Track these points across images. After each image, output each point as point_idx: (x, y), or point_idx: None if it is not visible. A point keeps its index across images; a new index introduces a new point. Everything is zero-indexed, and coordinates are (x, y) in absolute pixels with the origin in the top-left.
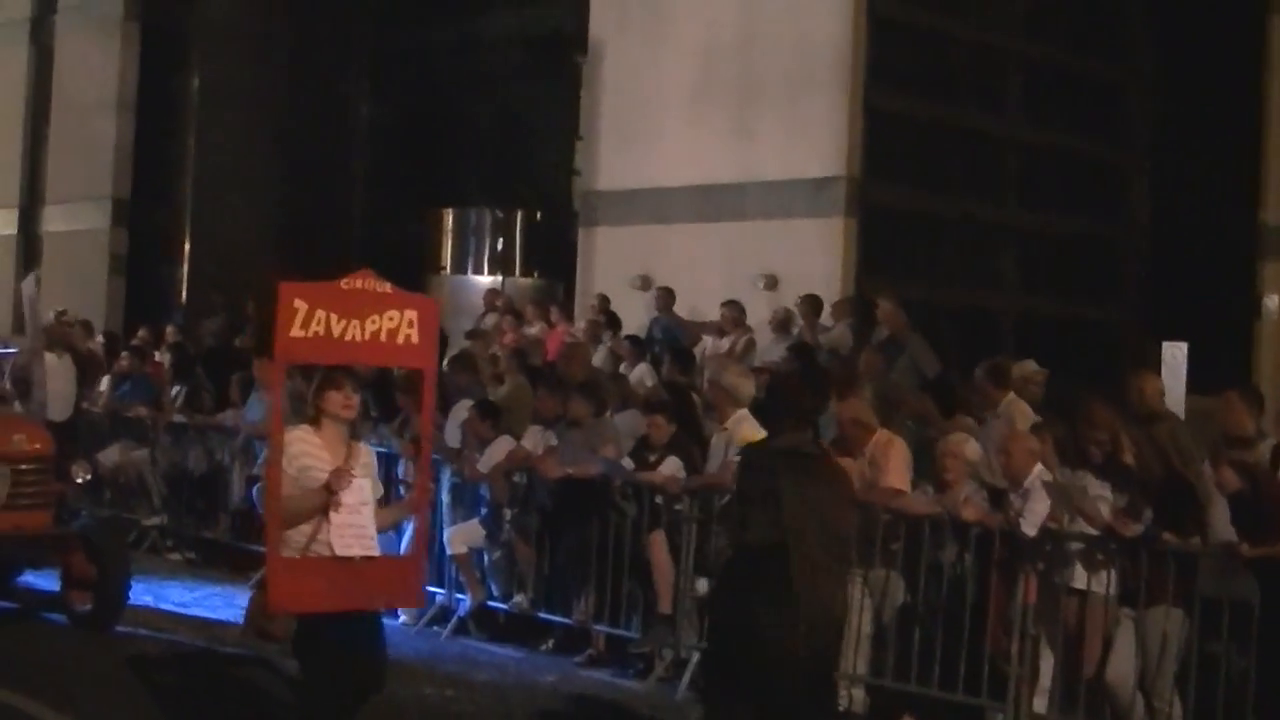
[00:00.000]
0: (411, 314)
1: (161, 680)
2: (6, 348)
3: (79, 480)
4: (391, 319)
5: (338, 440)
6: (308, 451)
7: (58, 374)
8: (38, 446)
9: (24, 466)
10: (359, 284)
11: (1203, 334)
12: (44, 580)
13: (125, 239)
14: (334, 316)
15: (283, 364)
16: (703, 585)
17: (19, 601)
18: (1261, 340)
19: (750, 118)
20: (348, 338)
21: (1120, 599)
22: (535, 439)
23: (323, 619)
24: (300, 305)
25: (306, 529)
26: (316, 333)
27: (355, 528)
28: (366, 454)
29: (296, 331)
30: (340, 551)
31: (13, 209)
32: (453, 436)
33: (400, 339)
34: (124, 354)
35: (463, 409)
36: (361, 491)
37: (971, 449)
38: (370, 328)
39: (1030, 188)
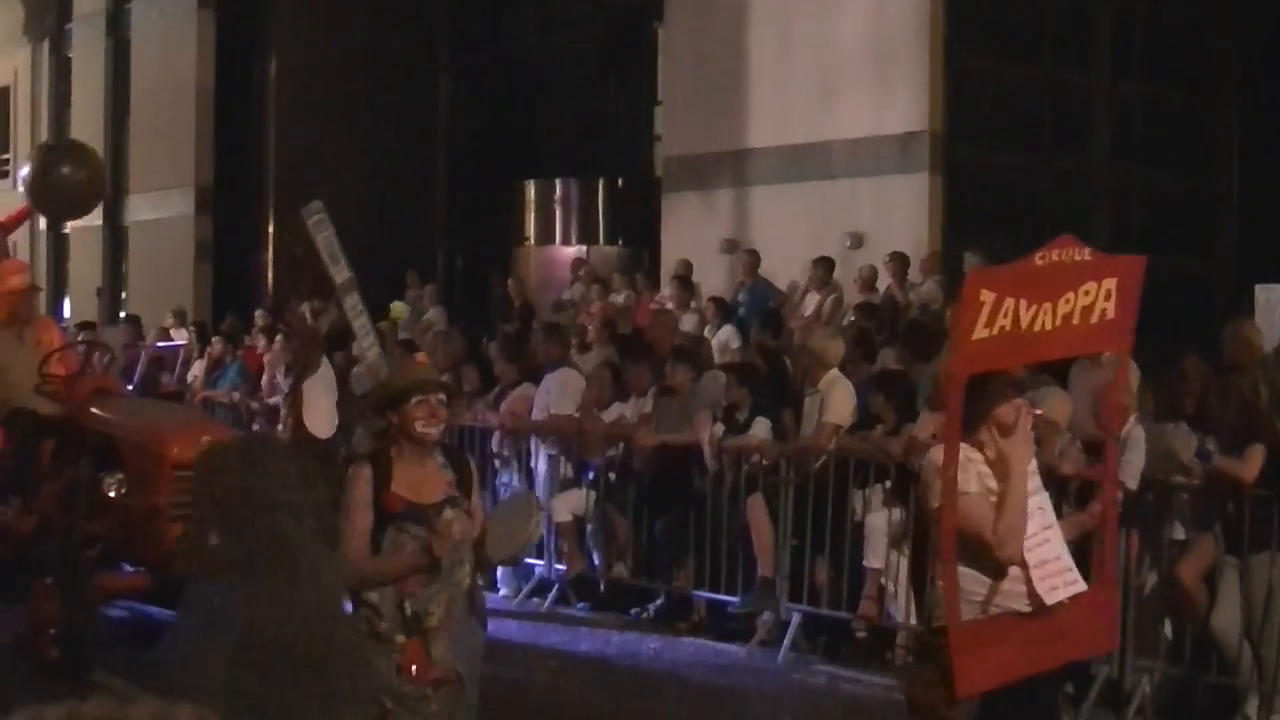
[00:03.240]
0: (1110, 283)
1: None
2: (168, 342)
3: None
4: (1088, 293)
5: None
6: (981, 474)
7: (317, 384)
8: None
9: None
10: (1055, 256)
11: None
12: None
13: (210, 226)
14: (1023, 304)
15: (961, 377)
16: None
17: None
18: None
19: (832, 76)
20: (1037, 328)
21: (1225, 547)
22: (631, 407)
23: (1012, 689)
24: (986, 297)
25: (986, 578)
26: (1003, 328)
27: (1053, 561)
28: (1035, 461)
29: (980, 332)
30: (1050, 599)
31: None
32: (541, 406)
33: (1094, 318)
34: (214, 340)
35: (559, 378)
36: (1044, 514)
37: (1060, 405)
38: (1062, 310)
39: (1119, 142)
